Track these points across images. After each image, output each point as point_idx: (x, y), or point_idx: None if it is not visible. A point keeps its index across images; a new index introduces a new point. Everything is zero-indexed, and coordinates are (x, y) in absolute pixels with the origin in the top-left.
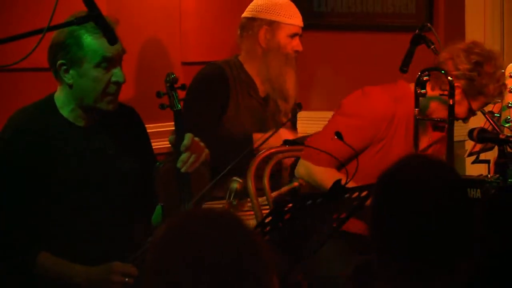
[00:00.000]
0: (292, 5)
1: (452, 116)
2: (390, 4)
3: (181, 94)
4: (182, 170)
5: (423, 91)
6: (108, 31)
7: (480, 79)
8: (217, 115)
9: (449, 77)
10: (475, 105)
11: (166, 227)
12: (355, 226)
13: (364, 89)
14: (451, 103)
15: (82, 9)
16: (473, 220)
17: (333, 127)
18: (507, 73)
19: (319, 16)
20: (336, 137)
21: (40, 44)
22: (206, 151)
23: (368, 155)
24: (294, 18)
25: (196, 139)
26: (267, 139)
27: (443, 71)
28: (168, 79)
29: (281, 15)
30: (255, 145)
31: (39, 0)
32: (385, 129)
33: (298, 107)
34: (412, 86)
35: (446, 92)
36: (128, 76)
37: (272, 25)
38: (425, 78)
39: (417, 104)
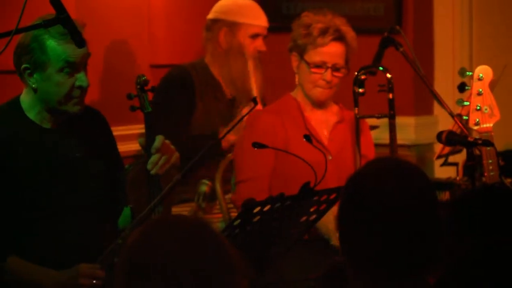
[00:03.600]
0: (255, 6)
1: (393, 110)
2: (359, 7)
3: (152, 96)
4: (152, 172)
5: (361, 90)
6: (76, 35)
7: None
8: (184, 118)
9: (387, 75)
10: (308, 57)
11: (138, 234)
12: None
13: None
14: (390, 97)
15: (50, 11)
16: (441, 223)
17: (244, 144)
18: (475, 76)
19: (287, 18)
20: (305, 139)
21: (8, 46)
22: (176, 153)
23: (283, 161)
24: (255, 19)
25: (167, 141)
26: (223, 136)
27: (381, 68)
28: (138, 81)
29: (242, 16)
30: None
31: (7, 2)
32: (276, 138)
33: (254, 101)
34: (293, 94)
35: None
36: (96, 79)
37: (232, 26)
38: (362, 77)
39: (355, 103)
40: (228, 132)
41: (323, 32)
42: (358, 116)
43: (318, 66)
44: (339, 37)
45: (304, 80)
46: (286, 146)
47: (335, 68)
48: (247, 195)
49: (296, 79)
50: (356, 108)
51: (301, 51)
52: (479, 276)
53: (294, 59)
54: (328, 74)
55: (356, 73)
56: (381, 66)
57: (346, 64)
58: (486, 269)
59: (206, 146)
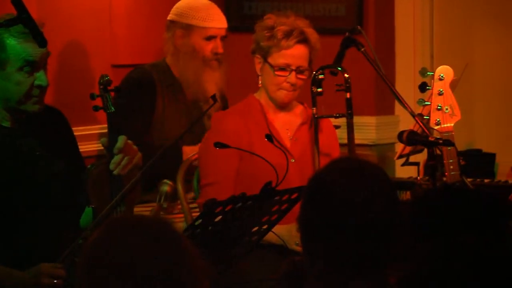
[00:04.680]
0: (212, 7)
1: (350, 110)
2: (321, 7)
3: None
4: (115, 172)
5: (319, 89)
6: (37, 34)
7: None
8: (145, 119)
9: (345, 74)
10: (272, 60)
11: (98, 234)
12: None
13: (219, 111)
14: (348, 96)
15: (12, 11)
16: (402, 222)
17: (208, 147)
18: (436, 76)
19: (249, 18)
20: (266, 139)
21: None
22: (139, 154)
23: (247, 163)
24: (209, 21)
25: (129, 141)
26: (183, 133)
27: (339, 68)
28: (102, 81)
29: (195, 19)
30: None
31: None
32: (240, 140)
33: (213, 99)
34: (257, 96)
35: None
36: (57, 79)
37: (187, 28)
38: (320, 76)
39: (314, 103)
40: (188, 130)
41: (287, 34)
42: (316, 116)
43: (282, 68)
44: (303, 40)
45: (268, 82)
46: (250, 148)
47: (299, 71)
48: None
49: (259, 81)
50: (314, 108)
51: (265, 54)
52: (441, 275)
53: (258, 61)
54: (292, 77)
55: (313, 73)
56: (340, 66)
57: (310, 65)
58: (447, 268)
59: (164, 145)
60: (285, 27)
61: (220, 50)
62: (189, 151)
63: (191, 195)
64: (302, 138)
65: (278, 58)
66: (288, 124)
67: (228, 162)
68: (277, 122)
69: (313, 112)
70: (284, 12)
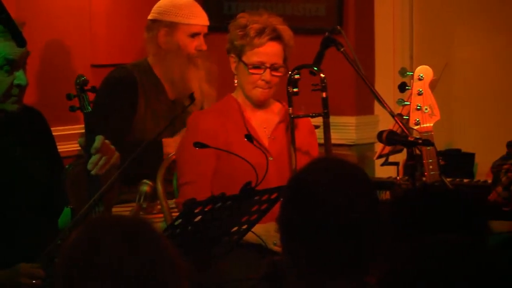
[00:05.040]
0: (194, 5)
1: (326, 109)
2: (301, 7)
3: (91, 96)
4: (92, 172)
5: (295, 89)
6: (16, 34)
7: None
8: (126, 118)
9: (321, 74)
10: (246, 58)
11: (77, 234)
12: None
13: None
14: (324, 96)
15: None
16: (382, 222)
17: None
18: (415, 76)
19: (229, 18)
20: (246, 139)
21: None
22: (117, 154)
23: (225, 162)
24: (193, 18)
25: (107, 141)
26: (162, 131)
27: (315, 68)
28: (78, 81)
29: (179, 16)
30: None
31: None
32: (218, 139)
33: (191, 98)
34: (234, 95)
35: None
36: (36, 78)
37: (170, 26)
38: (295, 76)
39: (290, 103)
40: (166, 128)
41: (260, 32)
42: (292, 116)
43: (257, 66)
44: (276, 37)
45: (243, 81)
46: (227, 147)
47: (273, 68)
48: (191, 197)
49: (235, 80)
50: (291, 108)
51: (239, 53)
52: (421, 275)
53: (232, 61)
54: (267, 74)
55: (289, 72)
56: (317, 66)
57: (285, 63)
58: (428, 267)
59: (143, 143)
60: (258, 25)
61: (204, 47)
62: (172, 143)
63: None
64: (280, 136)
65: (251, 57)
66: (266, 122)
67: (206, 162)
68: (254, 121)
69: (289, 112)
70: (257, 10)
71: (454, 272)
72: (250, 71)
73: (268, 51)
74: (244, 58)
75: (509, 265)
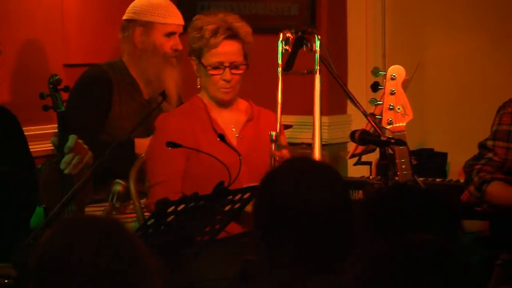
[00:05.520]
0: (169, 4)
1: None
2: (273, 7)
3: (64, 96)
4: (65, 171)
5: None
6: None
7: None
8: (100, 117)
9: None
10: (205, 60)
11: (49, 234)
12: (237, 227)
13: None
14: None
15: None
16: (355, 222)
17: (154, 147)
18: (388, 75)
19: None
20: (219, 139)
21: None
22: (89, 153)
23: (194, 163)
24: (169, 17)
25: (80, 141)
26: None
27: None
28: (51, 80)
29: (155, 15)
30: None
31: None
32: (187, 140)
33: (162, 96)
34: (200, 96)
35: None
36: (9, 78)
37: (146, 25)
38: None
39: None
40: (137, 127)
41: (214, 32)
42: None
43: (216, 67)
44: (232, 35)
45: (206, 82)
46: (197, 148)
47: (233, 66)
48: (162, 198)
49: (198, 82)
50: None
51: (198, 55)
52: (395, 274)
53: (193, 63)
54: (226, 74)
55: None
56: (288, 66)
57: (245, 59)
58: (401, 266)
59: (115, 141)
60: (212, 25)
61: (180, 47)
62: (144, 144)
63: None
64: (248, 135)
65: (210, 58)
66: (233, 122)
67: (176, 162)
68: (221, 121)
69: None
70: (214, 11)
71: (428, 272)
72: (210, 72)
73: (225, 50)
74: (203, 60)
75: (478, 264)
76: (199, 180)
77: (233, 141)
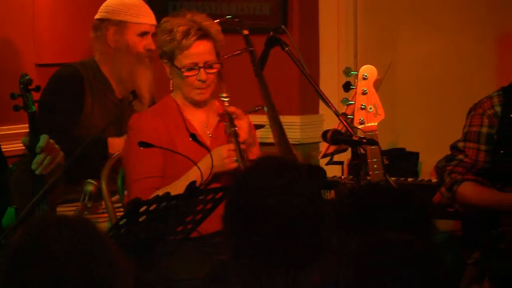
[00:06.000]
0: (142, 4)
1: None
2: (245, 6)
3: (36, 95)
4: (37, 172)
5: None
6: None
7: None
8: (72, 117)
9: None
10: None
11: (20, 234)
12: (210, 227)
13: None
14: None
15: None
16: (326, 221)
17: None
18: (360, 75)
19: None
20: (191, 139)
21: None
22: (61, 153)
23: (169, 163)
24: (142, 17)
25: (51, 141)
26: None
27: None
28: (22, 80)
29: (128, 15)
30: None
31: None
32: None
33: (133, 95)
34: (173, 96)
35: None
36: None
37: (120, 25)
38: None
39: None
40: (109, 125)
41: (186, 34)
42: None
43: (190, 68)
44: (203, 35)
45: (180, 84)
46: (171, 147)
47: (207, 66)
48: (140, 194)
49: (171, 84)
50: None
51: (170, 57)
52: (364, 273)
53: (166, 66)
54: (202, 74)
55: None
56: (261, 66)
57: (218, 58)
58: (371, 265)
59: (86, 140)
60: (183, 27)
61: (153, 47)
62: (116, 143)
63: (117, 196)
64: (221, 135)
65: (183, 60)
66: (206, 122)
67: (154, 159)
68: (195, 121)
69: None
70: (181, 12)
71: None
72: (184, 74)
73: (198, 51)
74: (176, 62)
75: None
76: (175, 180)
77: (207, 141)
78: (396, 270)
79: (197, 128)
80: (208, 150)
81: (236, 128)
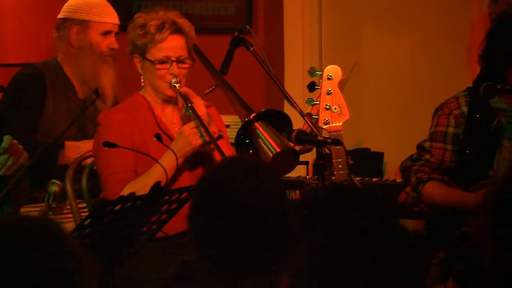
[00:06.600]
0: (105, 3)
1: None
2: (210, 7)
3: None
4: (0, 173)
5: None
6: None
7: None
8: (34, 118)
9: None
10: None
11: None
12: (175, 227)
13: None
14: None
15: None
16: (292, 221)
17: (100, 143)
18: (325, 75)
19: None
20: (156, 139)
21: None
22: (25, 154)
23: (141, 161)
24: (105, 16)
25: (15, 141)
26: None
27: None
28: None
29: (91, 14)
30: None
31: None
32: (132, 137)
33: (95, 93)
34: (142, 93)
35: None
36: None
37: (83, 24)
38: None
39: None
40: (71, 125)
41: (160, 27)
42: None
43: (163, 62)
44: (177, 30)
45: (151, 78)
46: (142, 145)
47: (179, 61)
48: (116, 187)
49: (142, 81)
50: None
51: (142, 52)
52: (332, 274)
53: (137, 61)
54: (174, 68)
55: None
56: (225, 66)
57: (189, 54)
58: (339, 265)
59: (45, 143)
60: (156, 21)
61: (116, 46)
62: (73, 147)
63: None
64: None
65: (156, 53)
66: (175, 118)
67: (125, 152)
68: (165, 117)
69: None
70: (153, 8)
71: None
72: (157, 66)
73: (171, 45)
74: (149, 56)
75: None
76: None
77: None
78: (360, 271)
79: (167, 124)
80: (172, 149)
81: (193, 104)
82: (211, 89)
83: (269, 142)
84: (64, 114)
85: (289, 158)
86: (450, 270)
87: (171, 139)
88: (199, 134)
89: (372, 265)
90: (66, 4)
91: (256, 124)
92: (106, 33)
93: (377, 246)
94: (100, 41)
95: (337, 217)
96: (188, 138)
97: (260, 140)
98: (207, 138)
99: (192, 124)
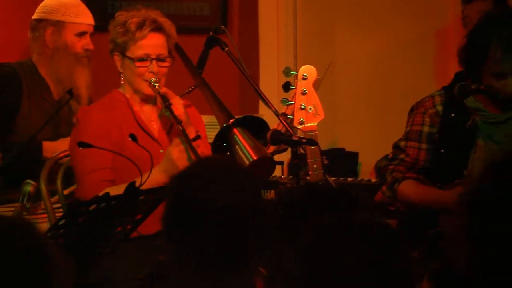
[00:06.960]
0: (80, 4)
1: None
2: (185, 6)
3: None
4: None
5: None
6: None
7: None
8: (10, 118)
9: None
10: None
11: None
12: (150, 228)
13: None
14: None
15: None
16: (267, 222)
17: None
18: (299, 75)
19: (112, 18)
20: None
21: None
22: None
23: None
24: (80, 17)
25: None
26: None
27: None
28: None
29: (66, 15)
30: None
31: None
32: (110, 134)
33: (69, 94)
34: (121, 90)
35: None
36: None
37: (58, 25)
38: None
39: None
40: (45, 124)
41: (140, 25)
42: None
43: (142, 59)
44: (157, 28)
45: (131, 76)
46: (121, 142)
47: (159, 59)
48: (91, 186)
49: (122, 79)
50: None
51: (122, 50)
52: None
53: (117, 59)
54: (154, 66)
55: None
56: (200, 66)
57: (170, 53)
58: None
59: (20, 144)
60: (137, 19)
61: (91, 47)
62: (50, 147)
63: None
64: (168, 128)
65: (136, 50)
66: (155, 115)
67: (102, 152)
68: (144, 115)
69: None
70: (135, 7)
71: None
72: (136, 64)
73: (151, 43)
74: (129, 53)
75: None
76: (127, 174)
77: (155, 133)
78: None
79: (146, 122)
80: (146, 149)
81: (170, 105)
82: (190, 89)
83: (246, 149)
84: (40, 114)
85: (266, 166)
86: (424, 269)
87: (151, 136)
88: (187, 157)
89: (361, 264)
90: (40, 5)
91: (235, 130)
92: (81, 34)
93: (365, 244)
94: (75, 42)
95: (313, 217)
96: (176, 163)
97: (237, 146)
98: (193, 156)
99: (180, 146)
